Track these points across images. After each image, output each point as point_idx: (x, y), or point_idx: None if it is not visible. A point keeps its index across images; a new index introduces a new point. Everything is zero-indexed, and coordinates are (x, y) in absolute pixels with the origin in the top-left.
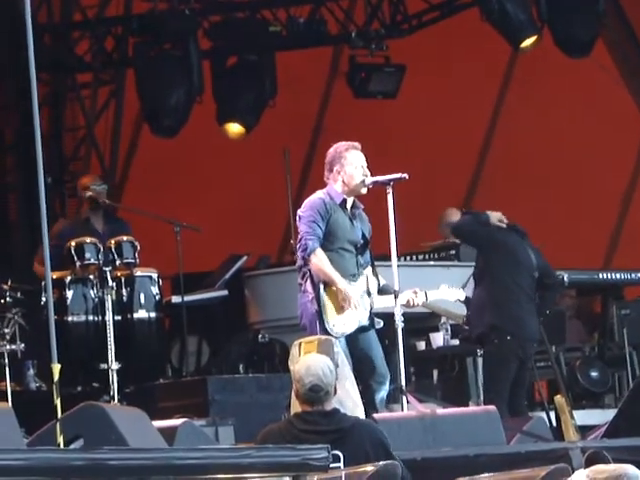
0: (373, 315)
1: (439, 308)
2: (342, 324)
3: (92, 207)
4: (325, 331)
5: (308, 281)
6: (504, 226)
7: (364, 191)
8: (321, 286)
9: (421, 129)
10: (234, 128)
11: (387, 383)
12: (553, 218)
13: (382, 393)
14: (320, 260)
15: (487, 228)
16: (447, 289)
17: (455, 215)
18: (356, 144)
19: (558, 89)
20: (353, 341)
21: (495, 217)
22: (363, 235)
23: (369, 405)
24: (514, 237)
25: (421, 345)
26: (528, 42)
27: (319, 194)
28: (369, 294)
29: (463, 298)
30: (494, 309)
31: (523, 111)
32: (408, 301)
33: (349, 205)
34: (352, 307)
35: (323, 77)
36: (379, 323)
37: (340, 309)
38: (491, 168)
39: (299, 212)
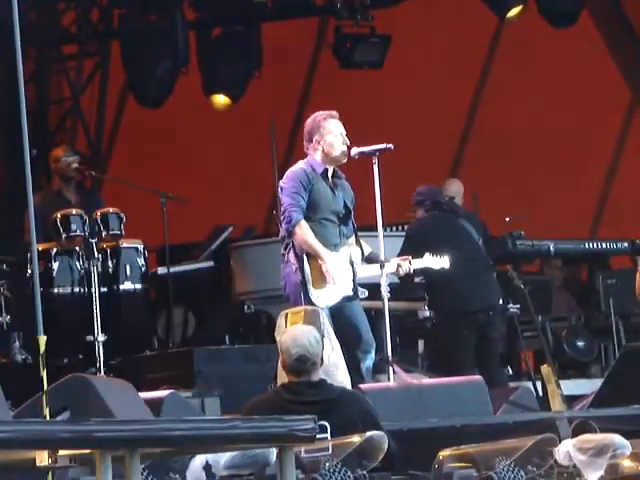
0: (357, 285)
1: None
2: (326, 294)
3: (64, 179)
4: (309, 301)
5: (291, 252)
6: None
7: (344, 160)
8: (305, 257)
9: (407, 99)
10: (220, 99)
11: (373, 352)
12: (539, 188)
13: (368, 362)
14: (304, 232)
15: (416, 227)
16: (431, 257)
17: (455, 186)
18: (334, 113)
19: (544, 60)
20: (337, 311)
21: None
22: (345, 205)
23: (355, 374)
24: (443, 219)
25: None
26: (514, 12)
27: (300, 164)
28: (352, 264)
29: (447, 266)
30: (429, 292)
31: (509, 81)
32: (397, 267)
33: (330, 174)
34: (331, 282)
35: (309, 48)
36: (363, 293)
37: (323, 280)
38: (477, 138)
39: (281, 183)
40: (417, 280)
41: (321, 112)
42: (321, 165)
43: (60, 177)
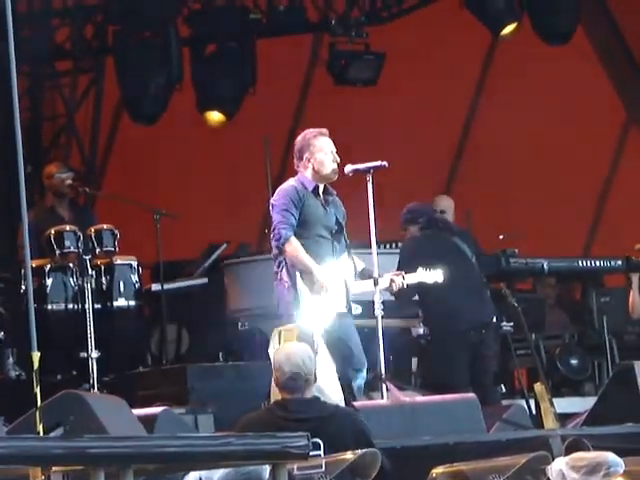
0: (350, 301)
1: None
2: (319, 312)
3: (57, 195)
4: (302, 319)
5: (284, 269)
6: None
7: (335, 177)
8: (297, 274)
9: (401, 116)
10: (215, 116)
11: (365, 370)
12: (533, 206)
13: (360, 381)
14: (295, 248)
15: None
16: (424, 272)
17: (445, 201)
18: (324, 130)
19: (538, 77)
20: (330, 328)
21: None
22: (337, 221)
23: (347, 392)
24: (436, 237)
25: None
26: (508, 29)
27: (291, 182)
28: (345, 280)
29: (441, 280)
30: (423, 309)
31: (503, 98)
32: (390, 282)
33: (321, 191)
34: (327, 294)
35: (303, 65)
36: (356, 309)
37: (316, 297)
38: (471, 156)
39: (272, 201)
40: (413, 298)
41: (311, 130)
42: (312, 182)
43: (53, 193)
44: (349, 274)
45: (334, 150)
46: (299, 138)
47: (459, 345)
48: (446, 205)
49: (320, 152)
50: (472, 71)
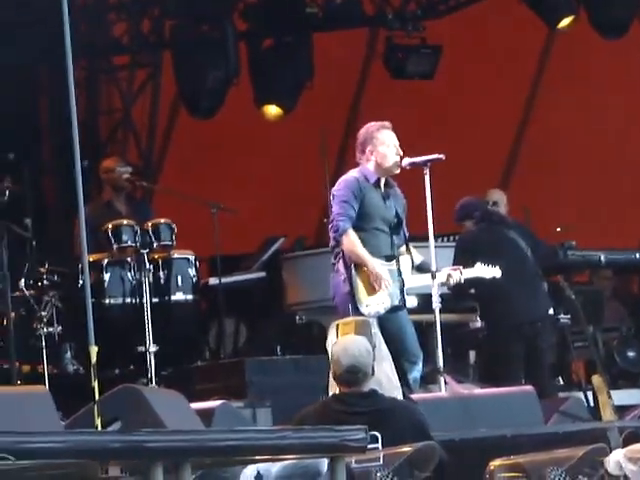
0: (406, 294)
1: None
2: (374, 304)
3: (115, 189)
4: (357, 311)
5: (341, 261)
6: None
7: (397, 171)
8: (353, 266)
9: (458, 110)
10: (272, 110)
11: (420, 363)
12: (591, 199)
13: (415, 373)
14: (351, 241)
15: (467, 238)
16: (483, 267)
17: (497, 194)
18: (387, 123)
19: (595, 71)
20: (385, 321)
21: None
22: (397, 214)
23: (403, 385)
24: (492, 231)
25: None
26: (565, 22)
27: (353, 173)
28: (401, 273)
29: (499, 276)
30: (479, 303)
31: (561, 92)
32: (448, 277)
33: (382, 184)
34: (383, 287)
35: (360, 58)
36: (413, 303)
37: (372, 289)
38: (528, 149)
39: (333, 191)
40: (470, 291)
41: (374, 123)
42: (374, 175)
43: (112, 187)
44: (406, 267)
45: (397, 143)
46: (362, 130)
47: (514, 338)
48: (498, 198)
49: (382, 145)
50: (529, 65)
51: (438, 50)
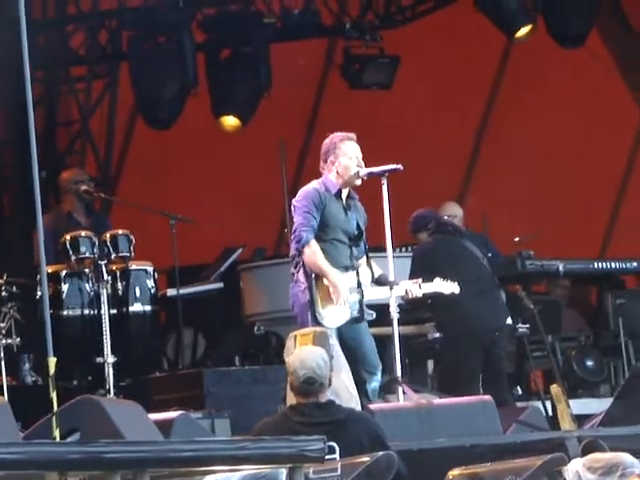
0: (364, 307)
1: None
2: (333, 315)
3: (79, 200)
4: (316, 321)
5: (301, 271)
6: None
7: (358, 182)
8: (313, 277)
9: (416, 120)
10: (230, 121)
11: (379, 373)
12: (548, 208)
13: (374, 384)
14: (313, 252)
15: (423, 249)
16: (441, 282)
17: (454, 208)
18: (351, 135)
19: (553, 79)
20: (344, 332)
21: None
22: (358, 226)
23: (361, 395)
24: (447, 241)
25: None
26: (523, 32)
27: (314, 184)
28: (360, 286)
29: (457, 291)
30: (436, 313)
31: (517, 102)
32: (406, 291)
33: (344, 196)
34: (341, 302)
35: (318, 68)
36: (371, 315)
37: (331, 301)
38: (485, 158)
39: (294, 202)
40: (427, 302)
41: (339, 133)
42: (335, 185)
43: (75, 197)
44: (365, 280)
45: (360, 156)
46: (326, 141)
47: (472, 348)
48: (455, 211)
49: (345, 156)
50: (487, 74)
51: (396, 60)
